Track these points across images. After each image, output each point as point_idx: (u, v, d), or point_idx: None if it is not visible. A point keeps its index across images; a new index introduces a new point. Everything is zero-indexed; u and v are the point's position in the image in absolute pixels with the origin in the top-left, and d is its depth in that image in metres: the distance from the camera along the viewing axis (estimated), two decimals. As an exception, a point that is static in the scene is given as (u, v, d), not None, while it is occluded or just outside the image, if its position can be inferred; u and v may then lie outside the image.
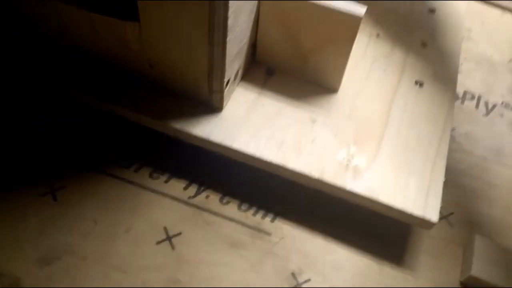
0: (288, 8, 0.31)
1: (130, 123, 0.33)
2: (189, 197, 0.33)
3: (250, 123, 0.33)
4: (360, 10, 0.29)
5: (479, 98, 0.44)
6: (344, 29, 0.30)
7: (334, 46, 0.32)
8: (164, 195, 0.33)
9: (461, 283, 0.32)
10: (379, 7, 0.42)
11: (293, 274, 0.31)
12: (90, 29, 0.31)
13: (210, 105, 0.33)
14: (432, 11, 0.43)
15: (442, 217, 0.35)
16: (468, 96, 0.45)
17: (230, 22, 0.27)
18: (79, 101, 0.34)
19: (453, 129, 0.41)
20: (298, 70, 0.35)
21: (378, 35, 0.40)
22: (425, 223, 0.29)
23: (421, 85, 0.37)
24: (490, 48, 0.50)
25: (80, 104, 0.34)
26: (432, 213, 0.29)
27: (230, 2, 0.25)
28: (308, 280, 0.30)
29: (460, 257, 0.33)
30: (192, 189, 0.34)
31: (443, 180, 0.31)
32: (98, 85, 0.33)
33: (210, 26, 0.27)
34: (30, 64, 0.34)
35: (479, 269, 0.31)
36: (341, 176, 0.31)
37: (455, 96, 0.37)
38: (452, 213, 0.35)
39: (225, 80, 0.31)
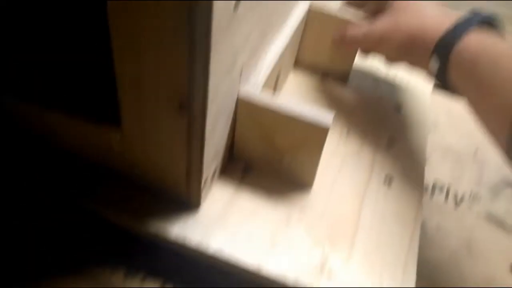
0: (263, 115, 0.33)
1: (106, 225, 0.33)
2: (164, 298, 0.33)
3: (226, 223, 0.33)
4: (327, 119, 0.32)
5: (448, 190, 0.46)
6: (313, 136, 0.32)
7: (306, 149, 0.34)
8: (138, 296, 0.33)
9: None
10: (348, 104, 0.45)
11: None
12: (75, 133, 0.33)
13: (188, 203, 0.33)
14: (398, 108, 0.47)
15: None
16: (437, 188, 0.47)
17: (207, 130, 0.28)
18: (56, 199, 0.34)
19: (424, 223, 0.42)
20: (273, 169, 0.37)
21: (348, 132, 0.42)
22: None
23: (390, 182, 0.39)
24: (456, 139, 0.53)
25: (56, 202, 0.34)
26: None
27: (207, 116, 0.27)
28: None
29: None
30: (167, 289, 0.33)
31: (415, 279, 0.32)
32: (78, 183, 0.34)
33: (188, 134, 0.28)
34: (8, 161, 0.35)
35: None
36: (316, 279, 0.31)
37: (422, 193, 0.39)
38: (427, 310, 0.36)
39: (203, 180, 0.32)
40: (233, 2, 0.24)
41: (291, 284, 0.30)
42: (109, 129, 0.31)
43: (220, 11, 0.22)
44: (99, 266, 0.34)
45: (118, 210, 0.33)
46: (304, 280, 0.30)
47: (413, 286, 0.32)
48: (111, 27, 0.24)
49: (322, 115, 0.32)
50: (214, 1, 0.21)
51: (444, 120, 0.55)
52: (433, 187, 0.46)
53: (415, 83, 0.50)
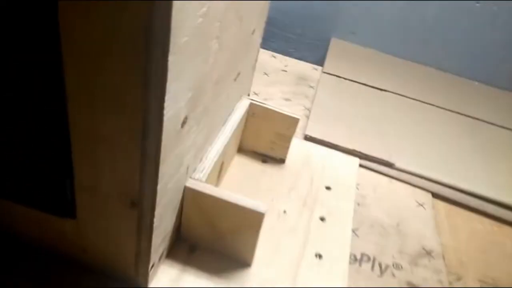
0: (206, 202, 0.38)
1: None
2: None
3: (172, 301, 0.37)
4: (263, 207, 0.37)
5: (373, 260, 0.52)
6: (250, 221, 0.38)
7: (244, 231, 0.39)
8: None
9: None
10: (283, 186, 0.52)
11: None
12: (30, 221, 0.36)
13: (136, 284, 0.37)
14: (328, 188, 0.53)
15: None
16: (364, 258, 0.52)
17: (156, 224, 0.33)
18: (15, 284, 0.36)
19: (353, 292, 0.48)
20: (217, 248, 0.41)
21: (284, 212, 0.48)
22: None
23: (320, 256, 0.44)
24: (381, 212, 0.60)
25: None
26: None
27: (156, 211, 0.31)
28: None
29: None
30: None
31: None
32: (35, 269, 0.36)
33: (137, 227, 0.32)
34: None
35: None
36: None
37: (347, 267, 0.44)
38: None
39: (150, 265, 0.35)
40: (181, 121, 0.30)
41: None
42: (65, 220, 0.34)
43: (168, 131, 0.28)
44: None
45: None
46: None
47: None
48: (72, 132, 0.29)
49: (258, 203, 0.37)
50: (164, 124, 0.27)
51: (371, 196, 0.62)
52: (361, 257, 0.52)
53: (344, 163, 0.58)
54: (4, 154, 0.33)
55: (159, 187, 0.30)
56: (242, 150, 0.55)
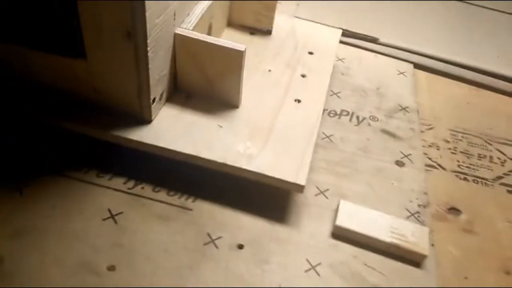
0: (193, 46, 0.44)
1: (79, 136, 0.44)
2: (128, 188, 0.44)
3: (173, 130, 0.45)
4: (241, 46, 0.44)
5: (352, 114, 0.59)
6: (233, 60, 0.44)
7: (229, 74, 0.46)
8: (108, 188, 0.44)
9: (332, 233, 0.44)
10: (270, 52, 0.58)
11: (208, 234, 0.41)
12: (45, 65, 0.43)
13: (142, 118, 0.44)
14: (311, 52, 0.59)
15: (320, 192, 0.48)
16: (344, 113, 0.59)
17: (150, 55, 0.39)
18: (40, 120, 0.44)
19: (331, 135, 0.55)
20: (208, 94, 0.48)
21: (269, 71, 0.55)
22: (298, 187, 0.42)
23: (299, 101, 0.51)
24: (363, 80, 0.66)
25: (41, 123, 0.45)
26: (301, 180, 0.42)
27: (148, 41, 0.38)
28: (219, 237, 0.41)
29: (331, 217, 0.45)
30: (131, 183, 0.45)
31: (310, 161, 0.44)
32: (55, 108, 0.44)
33: (135, 59, 0.39)
34: None
35: (341, 220, 0.43)
36: (240, 160, 0.43)
37: (321, 111, 0.51)
38: (327, 189, 0.48)
39: (151, 98, 0.43)
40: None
41: (221, 162, 0.42)
42: (76, 61, 0.42)
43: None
44: (75, 169, 0.44)
45: (85, 123, 0.43)
46: (230, 159, 0.42)
47: (307, 166, 0.44)
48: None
49: (238, 44, 0.44)
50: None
51: (356, 68, 0.68)
52: (341, 112, 0.59)
53: (327, 33, 0.63)
54: (18, 3, 0.39)
55: (147, 17, 0.36)
56: (231, 24, 0.60)
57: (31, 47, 0.42)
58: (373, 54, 0.72)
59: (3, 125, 0.46)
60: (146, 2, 0.36)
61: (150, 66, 0.40)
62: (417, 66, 0.72)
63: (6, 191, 0.41)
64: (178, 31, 0.44)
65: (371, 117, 0.59)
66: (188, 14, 0.46)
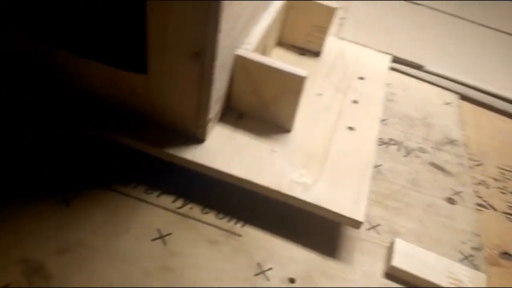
0: (253, 68, 0.43)
1: (130, 150, 0.43)
2: (177, 208, 0.43)
3: (225, 151, 0.43)
4: (303, 72, 0.42)
5: (400, 144, 0.58)
6: (292, 85, 0.43)
7: (286, 98, 0.44)
8: (157, 206, 0.42)
9: (386, 273, 0.42)
10: (319, 74, 0.56)
11: (258, 264, 0.40)
12: (101, 76, 0.42)
13: (196, 138, 0.43)
14: (361, 78, 0.58)
15: (371, 227, 0.46)
16: (392, 142, 0.58)
17: (214, 77, 0.38)
18: (90, 132, 0.43)
19: (380, 165, 0.53)
20: (261, 115, 0.47)
21: (320, 94, 0.53)
22: (355, 223, 0.40)
23: (352, 129, 0.49)
24: (410, 108, 0.64)
25: (91, 136, 0.44)
26: (359, 216, 0.40)
27: (215, 63, 0.37)
28: (270, 269, 0.40)
29: (384, 255, 0.43)
30: (179, 202, 0.43)
31: (367, 195, 0.43)
32: (107, 120, 0.43)
33: (199, 79, 0.38)
34: (50, 106, 0.44)
35: (398, 261, 0.41)
36: (294, 189, 0.41)
37: (377, 138, 0.49)
38: (379, 225, 0.46)
39: (208, 117, 0.42)
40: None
41: (275, 190, 0.41)
42: (136, 75, 0.41)
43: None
44: (123, 183, 0.43)
45: (138, 138, 0.42)
46: (285, 187, 0.41)
47: (365, 200, 0.42)
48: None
49: (299, 69, 0.43)
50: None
51: (401, 94, 0.67)
52: (389, 141, 0.58)
53: (377, 58, 0.62)
54: (84, 13, 0.38)
55: (219, 38, 0.35)
56: (281, 44, 0.59)
57: (88, 57, 0.41)
58: (417, 81, 0.71)
59: (52, 134, 0.46)
60: (221, 22, 0.35)
61: (212, 87, 0.39)
62: (463, 97, 0.70)
63: (53, 202, 0.40)
64: (239, 52, 0.43)
65: (419, 149, 0.58)
66: (247, 36, 0.45)
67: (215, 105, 0.43)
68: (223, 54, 0.39)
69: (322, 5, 0.54)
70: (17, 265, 0.35)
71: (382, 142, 0.57)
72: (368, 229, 0.45)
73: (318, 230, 0.44)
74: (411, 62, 0.72)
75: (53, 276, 0.35)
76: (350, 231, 0.44)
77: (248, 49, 0.43)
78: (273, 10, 0.51)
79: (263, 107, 0.46)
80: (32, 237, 0.37)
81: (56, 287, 0.35)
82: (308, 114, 0.50)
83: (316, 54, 0.59)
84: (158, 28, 0.36)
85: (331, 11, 0.55)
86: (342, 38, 0.70)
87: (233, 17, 0.38)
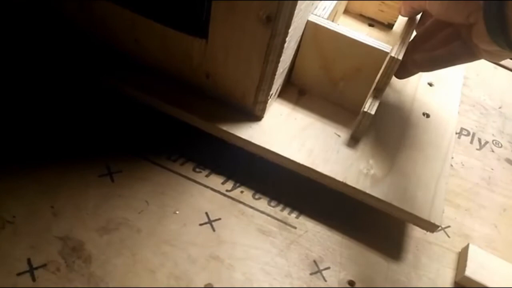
0: (326, 38, 0.37)
1: (180, 124, 0.39)
2: (227, 190, 0.39)
3: (285, 132, 0.38)
4: (387, 47, 0.36)
5: (473, 135, 0.51)
6: (372, 61, 0.37)
7: (361, 76, 0.39)
8: (206, 186, 0.38)
9: (456, 282, 0.37)
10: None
11: (315, 262, 0.36)
12: (159, 41, 0.38)
13: (253, 114, 0.38)
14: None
15: (441, 228, 0.41)
16: (464, 132, 0.51)
17: (285, 45, 0.33)
18: (143, 101, 0.39)
19: (452, 158, 0.47)
20: (326, 93, 0.41)
21: (392, 72, 0.47)
22: (430, 226, 0.35)
23: (428, 116, 0.44)
24: (484, 95, 0.57)
25: (141, 105, 0.40)
26: (436, 218, 0.35)
27: (289, 30, 0.32)
28: (328, 268, 0.35)
29: (454, 262, 0.38)
30: (229, 184, 0.39)
31: (445, 196, 0.37)
32: (159, 89, 0.39)
33: (268, 47, 0.33)
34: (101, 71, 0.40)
35: (472, 271, 0.36)
36: (362, 181, 0.36)
37: (455, 128, 0.43)
38: (449, 226, 0.41)
39: (271, 92, 0.37)
40: None
41: (341, 181, 0.36)
42: (193, 39, 0.36)
43: None
44: (171, 159, 0.39)
45: (190, 111, 0.38)
46: (351, 179, 0.36)
47: (442, 200, 0.37)
48: None
49: (382, 43, 0.37)
50: None
51: (474, 79, 0.59)
52: (461, 131, 0.51)
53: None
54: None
55: (296, 2, 0.30)
56: (347, 11, 0.53)
57: (141, 14, 0.37)
58: (492, 65, 0.63)
59: (96, 101, 0.42)
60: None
61: (281, 58, 0.34)
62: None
63: (96, 175, 0.37)
64: (312, 18, 0.37)
65: (494, 142, 0.51)
66: (319, 2, 0.39)
67: (279, 79, 0.38)
68: (298, 20, 0.33)
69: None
70: (55, 244, 0.32)
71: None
72: (438, 231, 0.40)
73: (383, 229, 0.39)
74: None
75: (93, 256, 0.32)
76: (418, 232, 0.40)
77: (321, 16, 0.38)
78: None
79: (331, 84, 0.41)
80: (72, 213, 0.34)
81: (94, 269, 0.32)
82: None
83: (387, 26, 0.52)
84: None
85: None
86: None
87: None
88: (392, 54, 0.36)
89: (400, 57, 0.36)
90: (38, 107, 0.40)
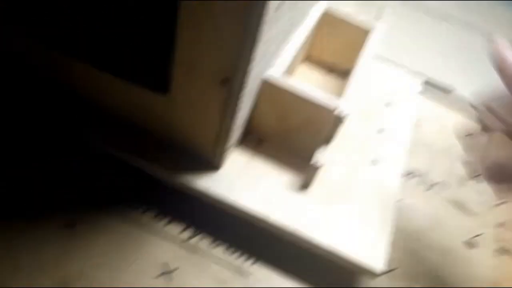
0: (278, 95, 0.40)
1: (141, 173, 0.40)
2: (185, 239, 0.40)
3: (241, 181, 0.40)
4: (335, 102, 0.39)
5: (421, 177, 0.55)
6: (319, 116, 0.40)
7: (312, 128, 0.41)
8: (165, 235, 0.40)
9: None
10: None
11: (267, 309, 0.37)
12: (123, 94, 0.39)
13: (212, 164, 0.40)
14: (388, 104, 0.54)
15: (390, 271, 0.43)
16: (413, 174, 0.55)
17: (241, 103, 0.35)
18: (103, 150, 0.40)
19: (400, 200, 0.50)
20: (283, 142, 0.44)
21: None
22: (370, 273, 0.37)
23: (375, 163, 0.46)
24: (435, 138, 0.61)
25: (101, 155, 0.41)
26: (377, 265, 0.37)
27: (244, 91, 0.34)
28: (279, 315, 0.37)
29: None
30: (188, 232, 0.40)
31: (389, 242, 0.40)
32: (120, 139, 0.40)
33: (225, 105, 0.35)
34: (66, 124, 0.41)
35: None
36: (311, 230, 0.38)
37: (402, 173, 0.46)
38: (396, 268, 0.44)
39: (227, 145, 0.39)
40: (276, 3, 0.31)
41: (291, 230, 0.38)
42: (156, 94, 0.37)
43: (269, 11, 0.29)
44: (132, 208, 0.40)
45: (152, 161, 0.39)
46: (304, 229, 0.38)
47: (385, 247, 0.39)
48: (181, 7, 0.31)
49: (331, 100, 0.39)
50: (267, 3, 0.28)
51: (427, 122, 0.63)
52: (410, 173, 0.55)
53: (404, 85, 0.58)
54: (107, 26, 0.35)
55: (250, 67, 0.32)
56: (307, 58, 0.56)
57: (105, 70, 0.38)
58: (444, 106, 0.67)
59: (59, 150, 0.42)
60: (256, 50, 0.31)
61: (238, 114, 0.36)
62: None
63: (56, 226, 0.37)
64: (267, 78, 0.39)
65: (441, 183, 0.55)
66: (277, 56, 0.42)
67: (236, 131, 0.40)
68: (252, 80, 0.35)
69: (355, 25, 0.51)
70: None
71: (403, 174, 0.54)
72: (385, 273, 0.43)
73: (336, 274, 0.41)
74: (439, 85, 0.69)
75: (49, 311, 0.33)
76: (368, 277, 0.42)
77: (275, 73, 0.40)
78: (305, 29, 0.47)
79: (287, 135, 0.43)
80: (31, 265, 0.35)
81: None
82: (332, 143, 0.47)
83: (344, 72, 0.56)
84: (188, 45, 0.33)
85: (364, 33, 0.51)
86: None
87: (268, 41, 0.34)
88: (335, 113, 0.39)
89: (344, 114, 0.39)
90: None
